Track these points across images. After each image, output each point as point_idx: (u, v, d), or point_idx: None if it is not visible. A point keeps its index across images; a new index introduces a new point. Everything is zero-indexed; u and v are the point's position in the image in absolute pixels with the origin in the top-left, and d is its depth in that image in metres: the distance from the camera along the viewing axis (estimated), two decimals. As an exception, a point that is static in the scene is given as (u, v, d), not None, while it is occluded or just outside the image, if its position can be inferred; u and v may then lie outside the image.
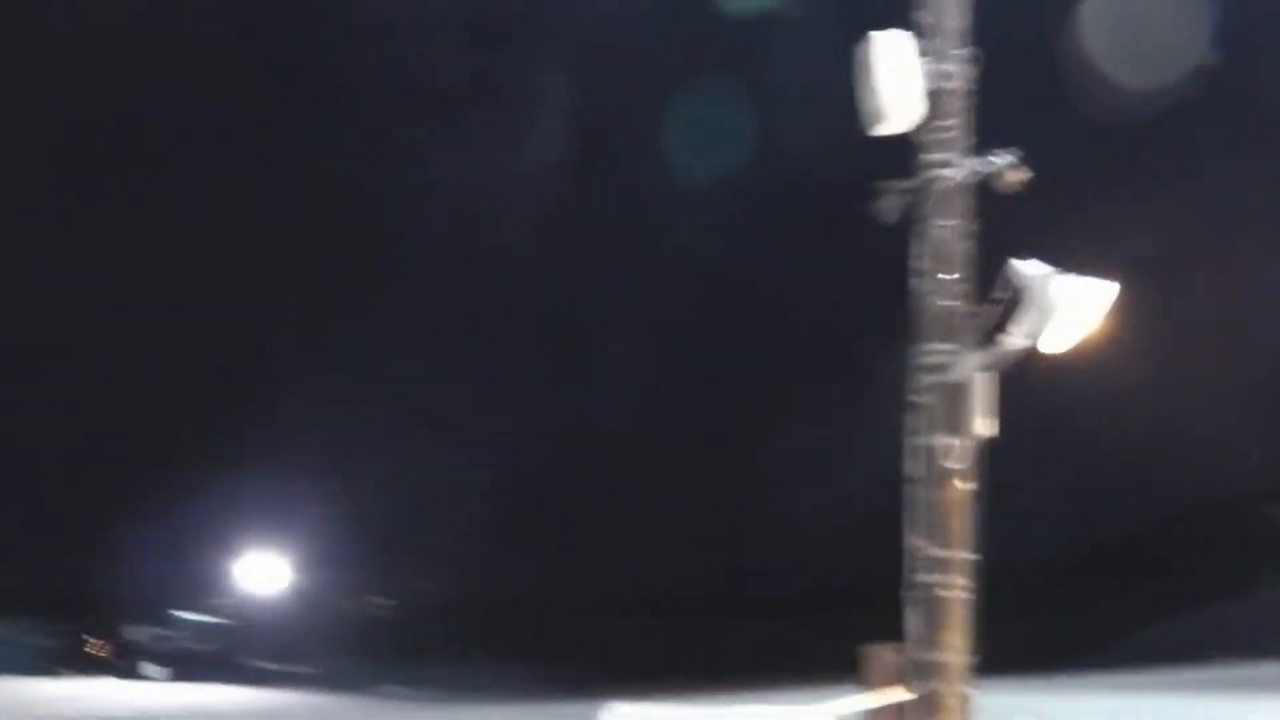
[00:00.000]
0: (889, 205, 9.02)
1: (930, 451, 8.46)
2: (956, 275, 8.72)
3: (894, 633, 8.53)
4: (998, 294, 8.43)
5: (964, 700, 8.14)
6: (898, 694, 8.12)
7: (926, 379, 8.61)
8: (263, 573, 64.17)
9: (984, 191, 8.81)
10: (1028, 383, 9.23)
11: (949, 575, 8.25)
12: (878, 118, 8.77)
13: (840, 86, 9.13)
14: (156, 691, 45.89)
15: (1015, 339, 8.31)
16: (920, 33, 9.02)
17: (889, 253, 9.24)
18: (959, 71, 9.00)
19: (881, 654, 8.33)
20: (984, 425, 8.42)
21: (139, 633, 60.12)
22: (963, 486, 8.43)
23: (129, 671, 53.90)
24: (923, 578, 8.28)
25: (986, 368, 8.44)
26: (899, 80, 8.73)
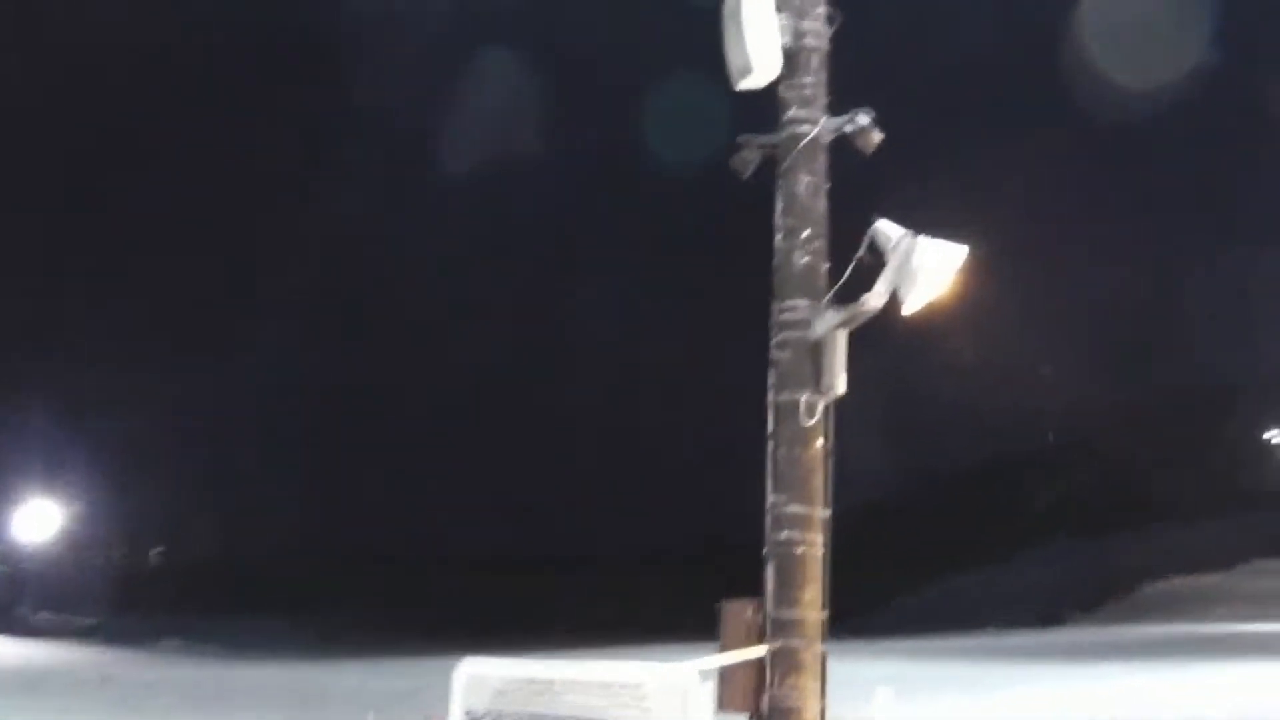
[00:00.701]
0: (745, 160, 9.05)
1: (788, 408, 8.50)
2: (815, 233, 8.78)
3: (748, 589, 8.58)
4: (860, 253, 8.52)
5: (820, 657, 8.22)
6: (755, 650, 8.15)
7: (785, 335, 8.64)
8: (38, 522, 61.70)
9: (846, 150, 8.87)
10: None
11: (807, 532, 8.31)
12: (742, 72, 8.76)
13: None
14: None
15: (874, 298, 8.41)
16: (780, -12, 9.04)
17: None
18: (818, 29, 9.05)
19: (739, 610, 8.35)
20: (840, 382, 8.50)
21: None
22: (819, 443, 8.49)
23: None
24: (781, 534, 8.32)
25: (844, 325, 8.52)
26: (761, 34, 8.73)
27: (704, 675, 7.79)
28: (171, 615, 64.94)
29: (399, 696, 27.48)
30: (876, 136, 8.77)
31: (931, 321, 9.26)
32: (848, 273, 8.60)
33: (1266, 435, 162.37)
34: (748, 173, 9.03)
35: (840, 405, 8.76)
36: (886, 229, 8.53)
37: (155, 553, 74.42)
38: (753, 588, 8.46)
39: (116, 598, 64.62)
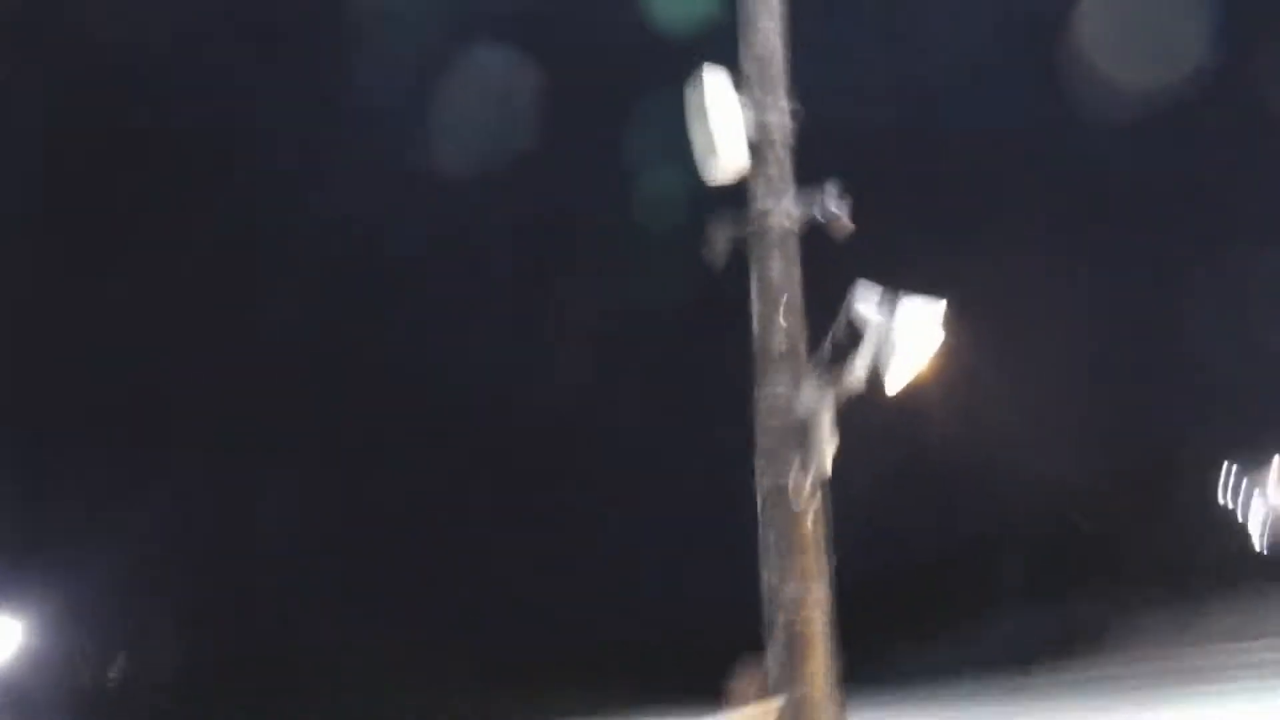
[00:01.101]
0: (717, 250, 9.26)
1: (776, 491, 8.65)
2: (790, 314, 8.98)
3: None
4: (837, 330, 8.71)
5: (829, 730, 8.32)
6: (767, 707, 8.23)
7: (767, 419, 8.81)
8: (-1, 637, 60.26)
9: (817, 229, 9.11)
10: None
11: (806, 611, 8.43)
12: (709, 166, 9.01)
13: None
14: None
15: (855, 379, 8.59)
16: (741, 84, 9.33)
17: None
18: (781, 121, 9.33)
19: (746, 686, 8.44)
20: (827, 463, 8.67)
21: None
22: (811, 522, 8.64)
23: None
24: (779, 616, 8.43)
25: (827, 404, 8.69)
26: (726, 130, 9.00)
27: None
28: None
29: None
30: (848, 225, 8.99)
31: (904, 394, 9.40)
32: (827, 348, 8.76)
33: (1219, 497, 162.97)
34: (720, 264, 9.24)
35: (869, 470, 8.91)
36: (862, 301, 8.68)
37: (118, 667, 72.96)
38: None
39: (80, 713, 63.33)
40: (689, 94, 9.13)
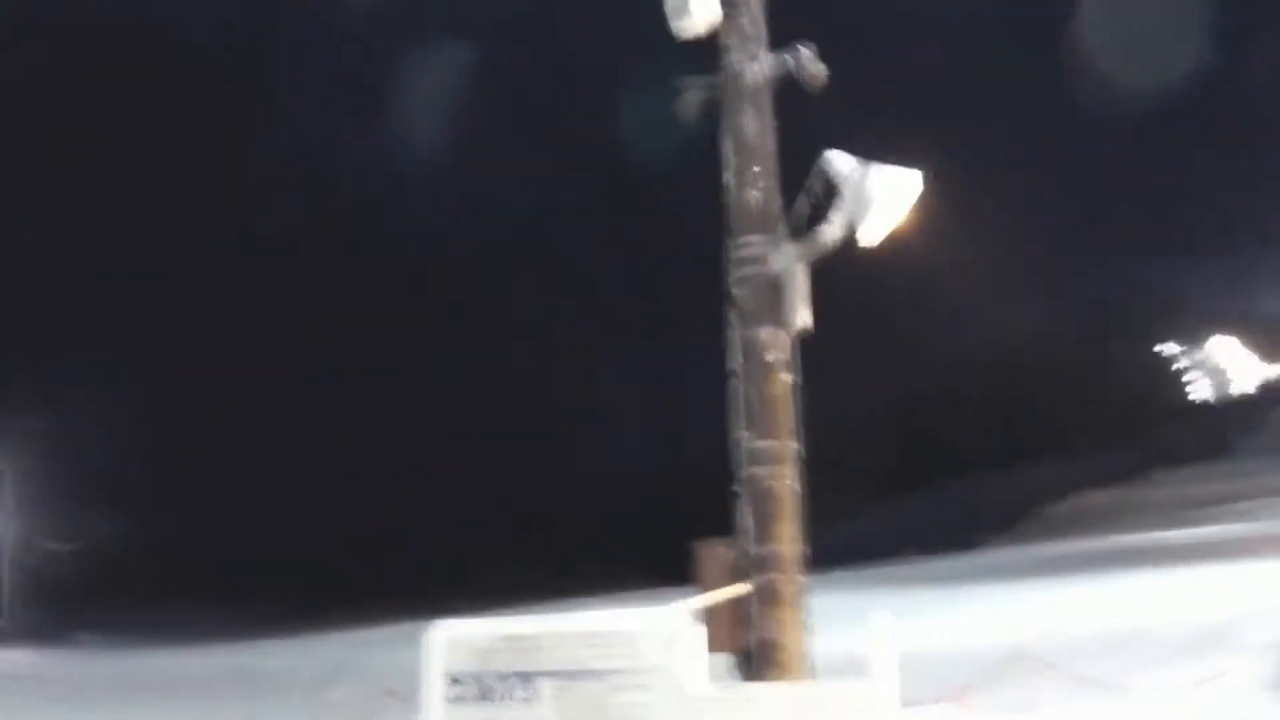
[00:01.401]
0: (689, 103, 9.06)
1: (751, 344, 8.56)
2: (765, 169, 8.83)
3: (719, 530, 8.66)
4: (812, 185, 8.57)
5: (800, 589, 8.33)
6: (736, 589, 8.23)
7: (743, 272, 8.70)
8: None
9: (791, 86, 8.92)
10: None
11: (778, 466, 8.40)
12: (681, 18, 8.77)
13: None
14: None
15: (831, 231, 8.48)
16: (714, -70, 9.05)
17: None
18: (754, -32, 9.08)
19: (715, 551, 8.42)
20: (802, 316, 8.58)
21: None
22: (784, 378, 8.57)
23: None
24: (752, 470, 8.40)
25: (803, 259, 8.58)
26: (698, -23, 8.74)
27: (691, 616, 7.84)
28: (82, 608, 63.92)
29: (330, 673, 27.30)
30: (820, 71, 8.80)
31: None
32: (801, 206, 8.64)
33: (1157, 348, 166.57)
34: (692, 116, 9.05)
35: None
36: (837, 160, 8.57)
37: (57, 544, 72.84)
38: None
39: (24, 594, 63.35)
40: None
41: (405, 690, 14.36)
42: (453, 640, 7.97)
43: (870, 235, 8.51)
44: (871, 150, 8.81)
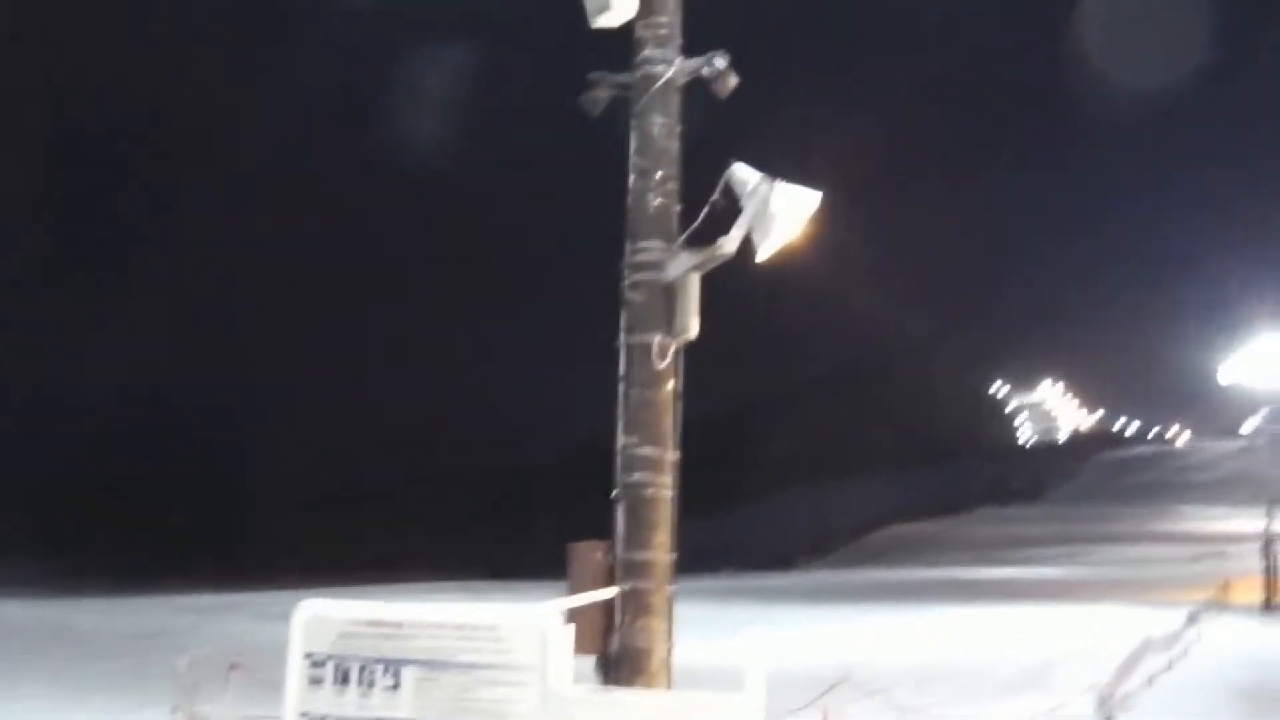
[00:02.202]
0: (596, 99, 9.04)
1: (640, 349, 8.58)
2: (668, 174, 8.86)
3: (589, 532, 8.68)
4: (715, 196, 8.63)
5: (669, 599, 8.38)
6: (605, 592, 8.25)
7: (637, 277, 8.71)
8: None
9: (702, 92, 8.96)
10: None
11: (658, 474, 8.43)
12: (599, 9, 8.75)
13: None
14: None
15: (730, 242, 8.55)
16: (637, -74, 9.05)
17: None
18: (675, -32, 9.09)
19: (589, 552, 8.42)
20: (692, 326, 8.63)
21: None
22: (670, 386, 8.62)
23: None
24: (632, 476, 8.42)
25: (698, 268, 8.64)
26: (619, -31, 8.73)
27: (559, 616, 7.82)
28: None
29: (145, 636, 26.70)
30: (733, 80, 8.87)
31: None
32: (701, 216, 8.70)
33: (992, 390, 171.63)
34: (597, 111, 9.04)
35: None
36: (742, 173, 8.66)
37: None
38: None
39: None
40: None
41: (249, 663, 14.10)
42: (315, 620, 7.80)
43: (767, 250, 8.61)
44: (768, 163, 8.93)
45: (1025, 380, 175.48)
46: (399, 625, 7.74)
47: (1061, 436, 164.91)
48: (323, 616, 7.93)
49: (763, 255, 8.62)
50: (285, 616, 8.25)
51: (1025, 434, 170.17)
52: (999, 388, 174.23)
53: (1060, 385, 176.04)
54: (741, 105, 9.24)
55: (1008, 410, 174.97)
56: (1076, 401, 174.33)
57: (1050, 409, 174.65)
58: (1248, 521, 70.07)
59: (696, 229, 8.77)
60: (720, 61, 8.89)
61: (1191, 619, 30.54)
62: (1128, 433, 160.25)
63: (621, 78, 9.04)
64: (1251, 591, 40.42)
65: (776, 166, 8.98)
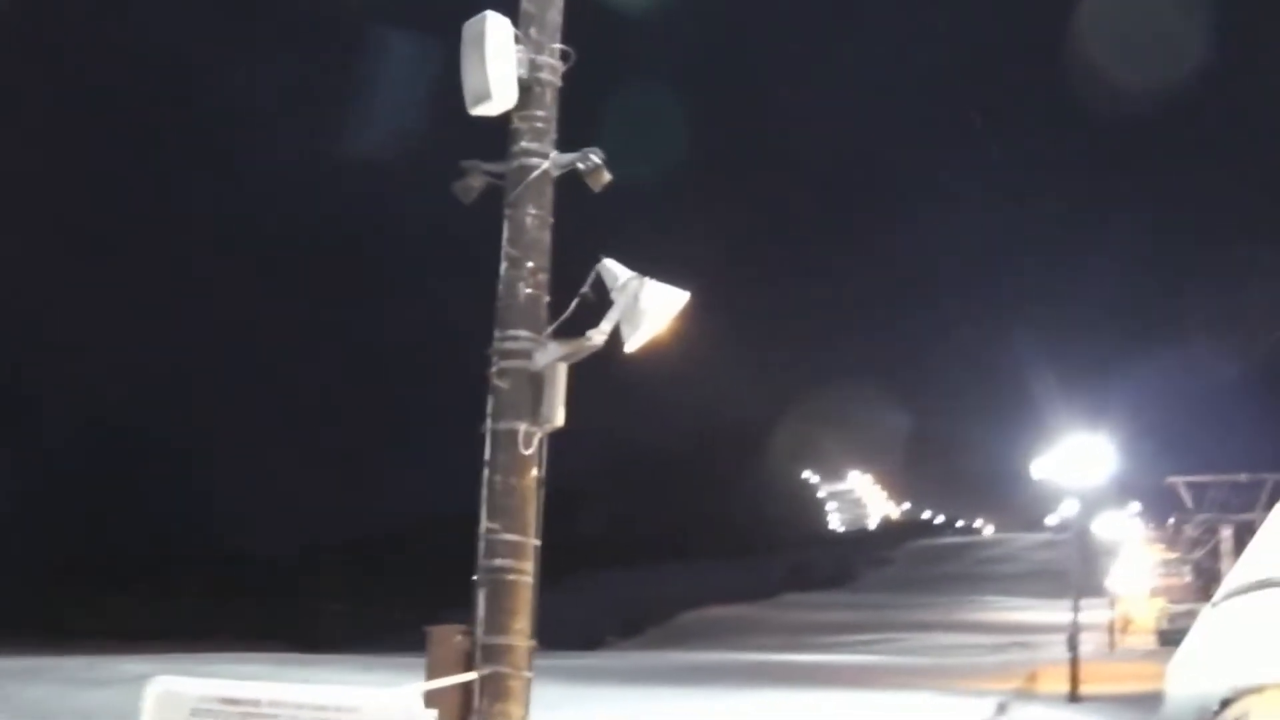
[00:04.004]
0: (470, 186, 9.34)
1: (506, 436, 8.85)
2: (539, 265, 9.18)
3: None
4: (585, 289, 8.98)
5: (527, 684, 8.60)
6: (465, 677, 8.43)
7: (505, 364, 8.99)
8: None
9: (578, 185, 9.32)
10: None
11: (519, 560, 8.68)
12: (479, 98, 9.06)
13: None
14: None
15: (598, 335, 8.89)
16: (520, 21, 9.43)
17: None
18: (553, 64, 9.48)
19: (448, 636, 8.60)
20: (558, 415, 8.93)
21: None
22: (535, 474, 8.89)
23: None
24: (494, 562, 8.65)
25: (566, 359, 8.95)
26: (501, 63, 9.07)
27: (418, 699, 7.99)
28: None
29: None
30: (606, 176, 9.28)
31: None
32: (571, 308, 9.03)
33: (804, 475, 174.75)
34: (470, 199, 9.34)
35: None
36: (613, 268, 9.03)
37: None
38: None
39: None
40: (466, 26, 9.16)
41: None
42: (167, 695, 7.85)
43: (634, 344, 8.98)
44: (636, 256, 9.32)
45: (835, 469, 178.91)
46: (256, 704, 7.82)
47: (872, 524, 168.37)
48: (175, 692, 7.97)
49: (630, 348, 9.00)
50: (102, 683, 8.23)
51: (836, 521, 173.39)
52: (810, 475, 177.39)
53: (869, 475, 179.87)
54: (608, 198, 9.62)
55: (819, 497, 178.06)
56: (885, 493, 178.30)
57: (860, 497, 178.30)
58: (1052, 612, 72.53)
59: (568, 318, 9.09)
60: (595, 157, 9.29)
61: (1001, 708, 31.52)
62: (936, 522, 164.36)
63: (496, 167, 9.38)
64: (1058, 681, 41.79)
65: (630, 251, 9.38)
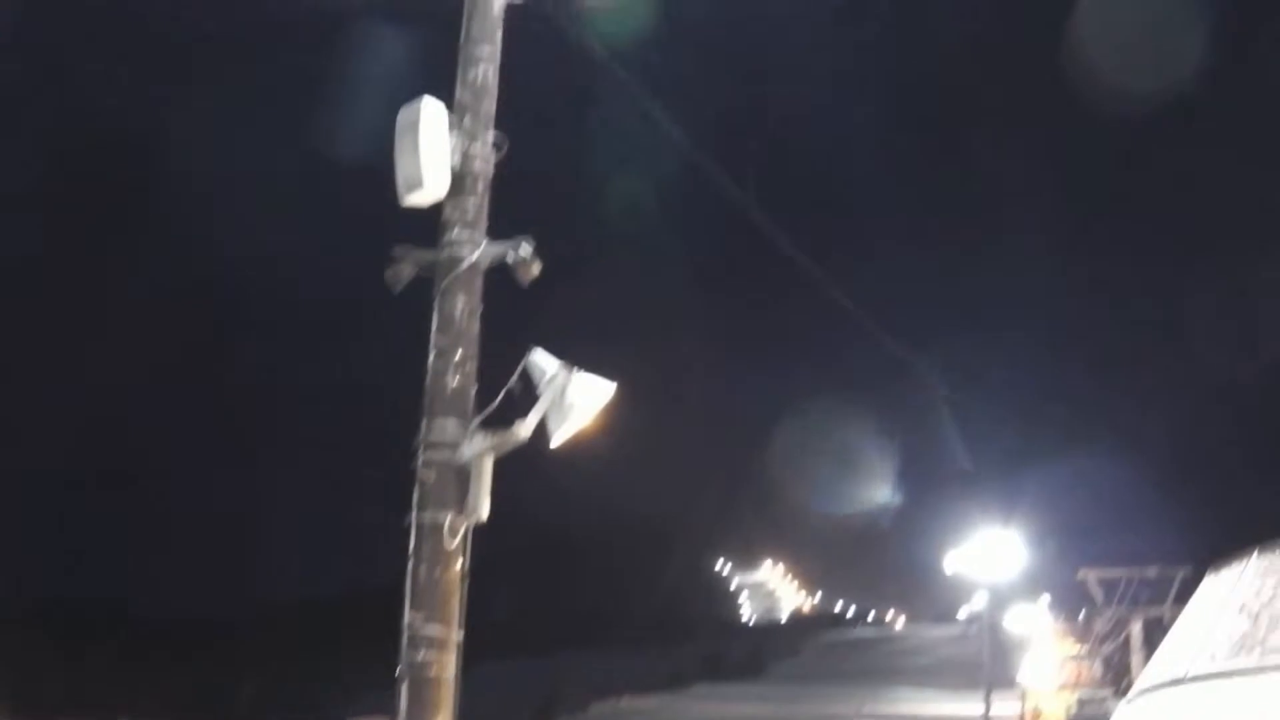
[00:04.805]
0: (400, 274, 9.34)
1: (431, 528, 8.79)
2: (467, 355, 9.18)
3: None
4: (513, 381, 8.98)
5: (447, 780, 8.49)
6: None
7: (431, 455, 8.95)
8: None
9: (505, 277, 9.35)
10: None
11: (442, 654, 8.60)
12: (411, 187, 9.10)
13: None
14: None
15: (525, 428, 8.89)
16: (454, 109, 9.50)
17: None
18: (485, 153, 9.55)
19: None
20: (484, 507, 8.89)
21: None
22: (459, 566, 8.83)
23: None
24: (417, 655, 8.56)
25: (493, 451, 8.93)
26: (434, 151, 9.12)
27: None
28: None
29: None
30: (536, 268, 9.32)
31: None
32: (499, 399, 9.02)
33: (717, 565, 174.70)
34: (399, 287, 9.34)
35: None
36: (541, 360, 9.05)
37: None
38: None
39: None
40: (400, 113, 9.21)
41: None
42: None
43: (561, 437, 8.99)
44: (565, 347, 9.35)
45: (749, 560, 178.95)
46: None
47: (784, 615, 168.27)
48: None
49: (557, 441, 9.01)
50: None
51: (748, 612, 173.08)
52: (723, 565, 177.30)
53: (781, 566, 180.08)
54: (538, 289, 9.65)
55: (732, 587, 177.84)
56: (796, 584, 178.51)
57: (773, 589, 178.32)
58: (964, 705, 72.59)
59: (495, 410, 9.08)
60: (525, 249, 9.33)
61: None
62: (848, 614, 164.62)
63: (426, 255, 9.39)
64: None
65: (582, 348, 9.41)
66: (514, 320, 10.29)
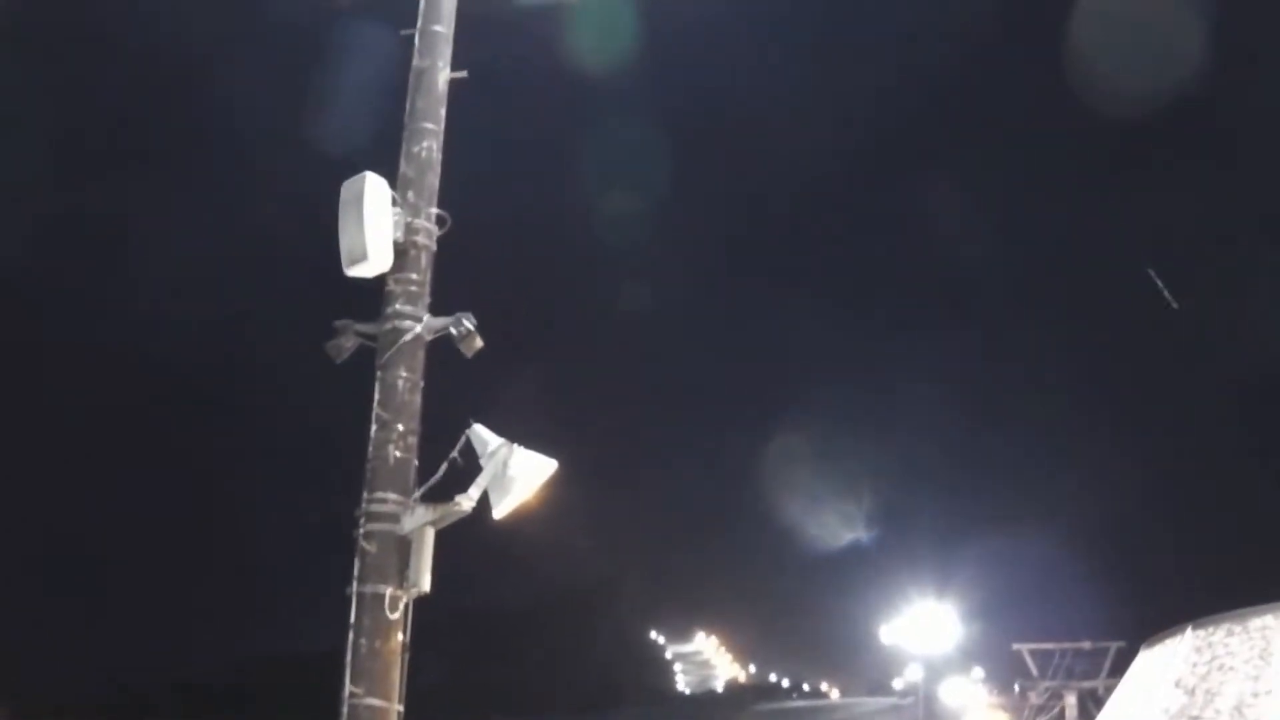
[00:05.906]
0: (341, 346, 9.43)
1: (372, 600, 8.82)
2: (409, 428, 9.25)
3: None
4: (454, 454, 9.07)
5: None
6: None
7: (372, 527, 9.00)
8: None
9: (449, 348, 9.46)
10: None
11: (382, 726, 8.61)
12: (355, 260, 9.20)
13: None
14: None
15: (467, 500, 8.97)
16: (397, 184, 9.64)
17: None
18: (429, 228, 9.68)
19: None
20: (425, 579, 8.94)
21: None
22: (399, 638, 8.86)
23: None
24: (357, 728, 8.57)
25: (434, 523, 9.00)
26: (378, 226, 9.24)
27: None
28: None
29: None
30: (478, 342, 9.44)
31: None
32: (440, 472, 9.10)
33: (651, 635, 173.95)
34: (342, 359, 9.43)
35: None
36: (483, 434, 9.15)
37: None
38: None
39: None
40: (344, 186, 9.33)
41: None
42: None
43: (503, 510, 9.08)
44: (503, 421, 9.46)
45: (683, 630, 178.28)
46: None
47: (719, 686, 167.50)
48: None
49: (499, 514, 9.10)
50: None
51: (682, 682, 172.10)
52: (657, 635, 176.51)
53: (715, 637, 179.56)
54: (484, 362, 9.77)
55: (666, 658, 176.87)
56: (731, 655, 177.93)
57: (708, 659, 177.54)
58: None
59: (437, 482, 9.15)
60: (468, 323, 9.45)
61: None
62: (784, 685, 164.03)
63: (368, 327, 9.49)
64: None
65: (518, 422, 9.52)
66: (453, 393, 10.40)
